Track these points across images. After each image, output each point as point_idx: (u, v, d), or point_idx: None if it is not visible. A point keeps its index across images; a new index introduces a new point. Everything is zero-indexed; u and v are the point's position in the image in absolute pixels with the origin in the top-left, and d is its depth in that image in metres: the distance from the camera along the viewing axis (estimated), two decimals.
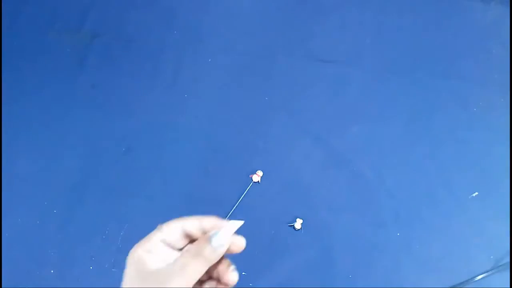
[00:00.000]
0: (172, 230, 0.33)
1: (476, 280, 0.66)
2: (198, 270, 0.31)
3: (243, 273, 0.67)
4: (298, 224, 0.71)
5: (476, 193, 0.74)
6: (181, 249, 0.34)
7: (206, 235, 0.32)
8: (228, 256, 0.32)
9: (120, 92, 0.84)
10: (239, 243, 0.32)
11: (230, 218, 0.72)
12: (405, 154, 0.77)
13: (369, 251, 0.70)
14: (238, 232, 0.33)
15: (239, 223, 0.33)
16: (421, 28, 0.87)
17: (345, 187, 0.75)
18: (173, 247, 0.33)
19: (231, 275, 0.32)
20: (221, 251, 0.32)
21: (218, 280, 0.33)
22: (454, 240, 0.71)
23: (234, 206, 0.73)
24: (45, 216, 0.74)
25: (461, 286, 0.65)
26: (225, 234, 0.32)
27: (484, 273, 0.66)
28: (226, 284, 0.33)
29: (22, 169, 0.78)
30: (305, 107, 0.81)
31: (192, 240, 0.34)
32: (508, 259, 0.68)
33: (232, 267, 0.33)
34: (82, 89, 0.84)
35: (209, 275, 0.33)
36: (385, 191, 0.74)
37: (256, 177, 0.75)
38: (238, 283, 0.33)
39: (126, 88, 0.84)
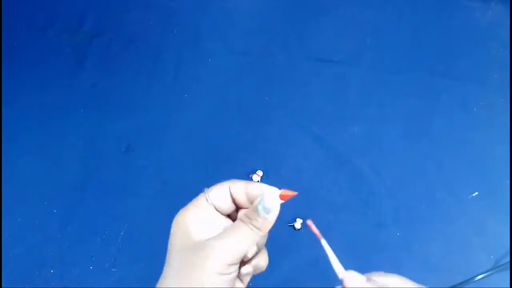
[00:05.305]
0: (220, 193, 0.31)
1: (476, 280, 0.66)
2: (248, 242, 0.29)
3: None
4: (298, 224, 0.71)
5: (476, 193, 0.74)
6: (228, 215, 0.32)
7: (253, 205, 0.30)
8: None
9: (120, 91, 0.84)
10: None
11: None
12: (405, 154, 0.77)
13: (369, 251, 0.70)
14: None
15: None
16: (421, 28, 0.87)
17: (345, 187, 0.75)
18: (220, 211, 0.31)
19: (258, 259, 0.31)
20: (270, 219, 0.30)
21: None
22: (454, 240, 0.71)
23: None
24: (45, 216, 0.74)
25: (461, 286, 0.65)
26: (270, 198, 0.30)
27: (484, 273, 0.66)
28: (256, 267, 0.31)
29: (22, 169, 0.78)
30: (305, 107, 0.81)
31: (238, 207, 0.32)
32: (508, 259, 0.68)
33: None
34: (82, 89, 0.84)
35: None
36: (385, 191, 0.74)
37: (256, 177, 0.74)
38: None
39: (126, 88, 0.84)
